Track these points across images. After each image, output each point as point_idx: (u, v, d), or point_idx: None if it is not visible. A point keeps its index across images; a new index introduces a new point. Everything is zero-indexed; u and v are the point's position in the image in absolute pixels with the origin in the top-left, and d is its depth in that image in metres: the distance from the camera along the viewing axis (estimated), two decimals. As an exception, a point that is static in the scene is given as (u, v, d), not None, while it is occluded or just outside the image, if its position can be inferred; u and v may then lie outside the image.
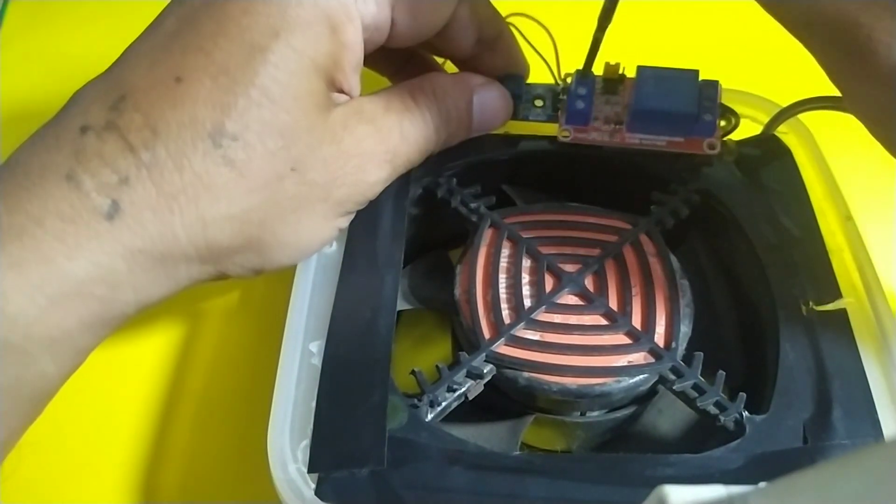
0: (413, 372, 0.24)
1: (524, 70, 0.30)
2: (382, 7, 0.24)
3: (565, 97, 0.29)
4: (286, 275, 0.26)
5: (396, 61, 0.30)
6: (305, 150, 0.23)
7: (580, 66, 0.29)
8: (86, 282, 0.20)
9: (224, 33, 0.22)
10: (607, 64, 0.29)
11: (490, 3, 0.28)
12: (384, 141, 0.25)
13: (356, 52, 0.24)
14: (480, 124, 0.28)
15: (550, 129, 0.29)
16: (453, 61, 0.29)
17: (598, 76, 0.29)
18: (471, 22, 0.27)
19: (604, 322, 0.25)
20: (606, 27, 0.27)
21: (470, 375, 0.24)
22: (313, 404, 0.23)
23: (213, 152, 0.21)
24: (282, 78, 0.22)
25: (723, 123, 0.29)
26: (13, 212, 0.20)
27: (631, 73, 0.28)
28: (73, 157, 0.21)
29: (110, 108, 0.21)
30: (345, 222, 0.26)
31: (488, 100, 0.28)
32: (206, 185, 0.21)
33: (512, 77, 0.29)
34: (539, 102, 0.30)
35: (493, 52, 0.28)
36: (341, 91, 0.24)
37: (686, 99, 0.27)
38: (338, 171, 0.24)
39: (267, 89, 0.22)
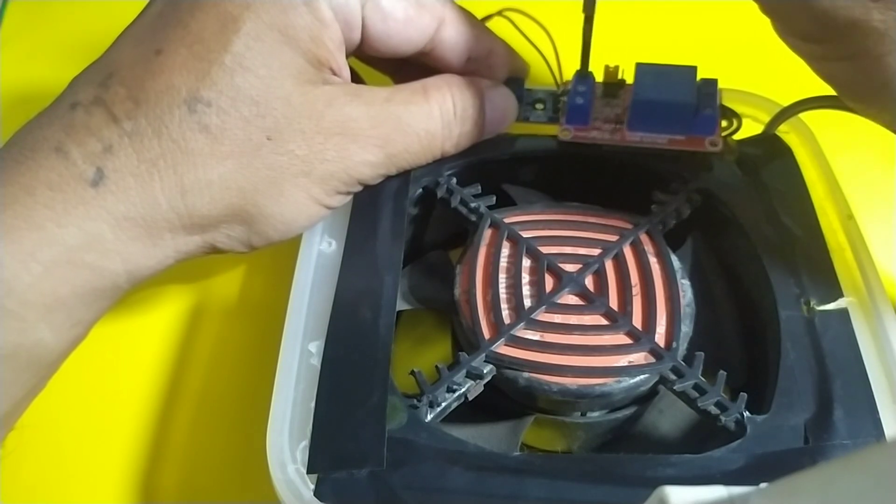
0: (413, 372, 0.24)
1: (524, 73, 0.30)
2: None
3: (565, 98, 0.29)
4: (285, 274, 0.26)
5: (396, 61, 0.30)
6: (282, 120, 0.23)
7: (579, 66, 0.29)
8: (75, 248, 0.21)
9: (200, 6, 0.23)
10: (607, 67, 0.29)
11: (477, 21, 0.28)
12: (376, 126, 0.25)
13: (335, 30, 0.24)
14: (491, 125, 0.28)
15: (551, 130, 0.29)
16: None
17: (599, 82, 0.29)
18: (456, 44, 0.27)
19: (604, 322, 0.25)
20: (592, 16, 0.27)
21: (470, 376, 0.24)
22: (312, 405, 0.23)
23: (189, 118, 0.22)
24: (254, 46, 0.23)
25: (724, 124, 0.29)
26: (7, 184, 0.21)
27: (630, 75, 0.28)
28: (63, 131, 0.22)
29: (98, 85, 0.23)
30: (335, 202, 0.26)
31: (498, 101, 0.28)
32: (183, 151, 0.22)
33: (512, 80, 0.29)
34: (540, 106, 0.30)
35: (488, 67, 0.29)
36: (332, 71, 0.25)
37: (685, 91, 0.27)
38: (317, 146, 0.24)
39: (240, 56, 0.23)
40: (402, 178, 0.27)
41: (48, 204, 0.21)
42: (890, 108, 0.23)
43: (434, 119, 0.26)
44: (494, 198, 0.28)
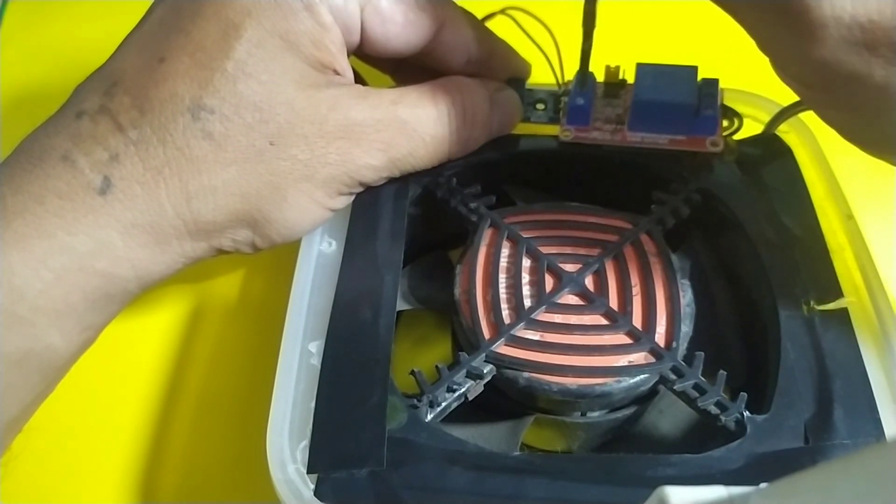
0: (413, 372, 0.24)
1: (525, 74, 0.30)
2: (350, 2, 0.24)
3: (566, 98, 0.29)
4: (285, 274, 0.26)
5: (395, 60, 0.30)
6: (284, 125, 0.23)
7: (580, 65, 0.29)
8: (86, 256, 0.21)
9: (201, 13, 0.23)
10: (608, 67, 0.29)
11: (479, 23, 0.28)
12: (380, 130, 0.25)
13: (336, 33, 0.24)
14: (498, 128, 0.28)
15: (552, 130, 0.29)
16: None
17: (600, 82, 0.29)
18: (457, 45, 0.27)
19: (604, 322, 0.25)
20: (592, 32, 0.27)
21: (470, 376, 0.24)
22: (312, 404, 0.23)
23: (193, 126, 0.22)
24: (256, 53, 0.23)
25: (725, 124, 0.29)
26: (16, 192, 0.21)
27: (631, 75, 0.28)
28: (70, 140, 0.22)
29: (103, 94, 0.23)
30: (338, 203, 0.26)
31: (505, 104, 0.28)
32: (187, 158, 0.22)
33: (513, 80, 0.29)
34: (541, 106, 0.30)
35: (489, 69, 0.29)
36: (335, 72, 0.25)
37: (685, 91, 0.27)
38: (320, 150, 0.24)
39: (242, 63, 0.23)
40: (403, 178, 0.27)
41: (57, 212, 0.21)
42: (890, 157, 0.23)
43: (442, 124, 0.26)
44: (494, 198, 0.28)
